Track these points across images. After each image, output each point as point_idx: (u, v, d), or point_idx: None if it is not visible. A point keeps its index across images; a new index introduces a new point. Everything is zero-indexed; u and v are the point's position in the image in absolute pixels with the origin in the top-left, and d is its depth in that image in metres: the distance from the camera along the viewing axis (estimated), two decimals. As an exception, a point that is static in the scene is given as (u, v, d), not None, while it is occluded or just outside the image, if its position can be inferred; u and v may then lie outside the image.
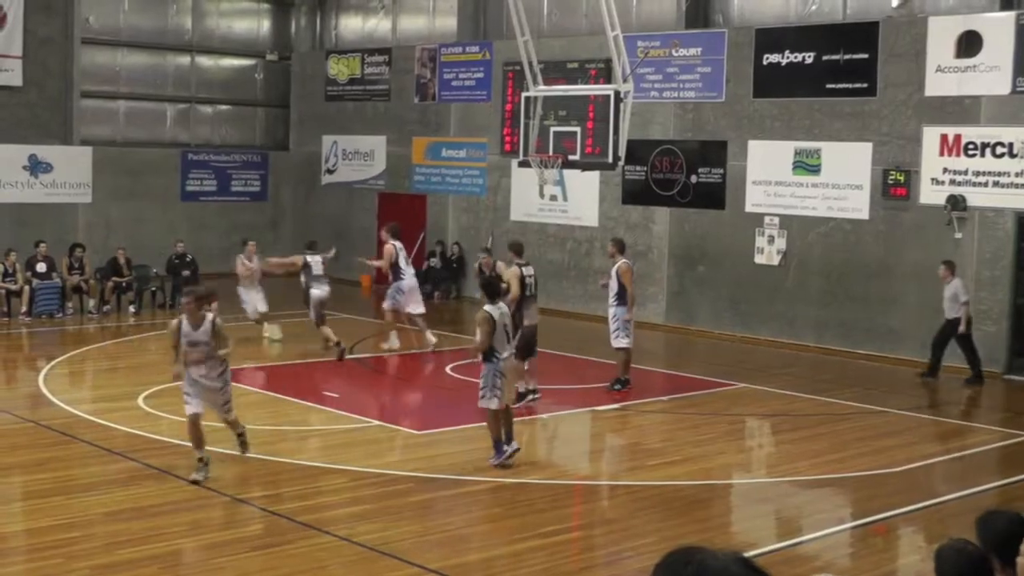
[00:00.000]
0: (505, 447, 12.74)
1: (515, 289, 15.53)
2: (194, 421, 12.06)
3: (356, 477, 12.40)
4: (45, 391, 16.34)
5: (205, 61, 30.71)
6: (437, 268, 26.96)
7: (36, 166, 26.72)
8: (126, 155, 28.40)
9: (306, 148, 30.84)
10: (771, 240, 21.66)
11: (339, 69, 30.08)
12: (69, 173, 27.21)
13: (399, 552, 10.07)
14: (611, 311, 17.03)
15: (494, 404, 12.61)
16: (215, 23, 30.81)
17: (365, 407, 16.29)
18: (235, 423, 12.69)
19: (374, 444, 14.12)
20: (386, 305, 20.17)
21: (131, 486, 11.85)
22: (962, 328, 18.10)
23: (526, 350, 15.64)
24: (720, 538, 10.70)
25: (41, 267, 23.08)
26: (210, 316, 12.11)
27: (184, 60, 30.32)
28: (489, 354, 12.55)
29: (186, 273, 24.33)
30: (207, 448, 12.15)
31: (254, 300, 20.74)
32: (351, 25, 31.07)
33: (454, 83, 27.18)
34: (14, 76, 26.75)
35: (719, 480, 13.02)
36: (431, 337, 20.03)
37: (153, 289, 24.56)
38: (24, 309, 22.35)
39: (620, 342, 16.91)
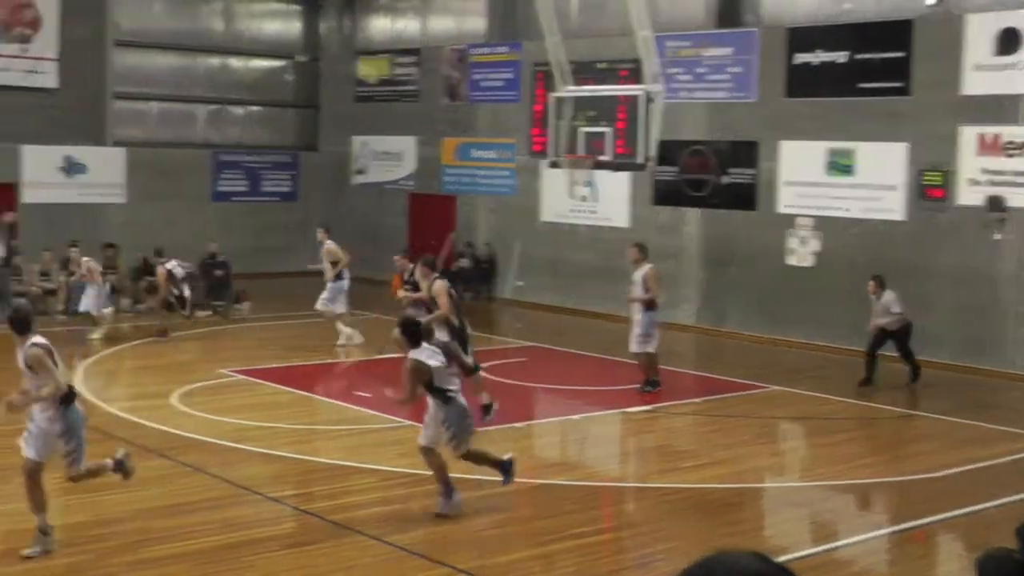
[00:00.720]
0: (508, 473, 11.38)
1: (445, 304, 14.85)
2: (28, 471, 9.88)
3: (386, 477, 12.38)
4: (80, 389, 16.36)
5: (235, 62, 30.83)
6: (468, 269, 26.92)
7: (71, 167, 26.91)
8: (158, 156, 28.50)
9: (336, 149, 30.87)
10: (803, 241, 21.53)
11: (368, 70, 30.12)
12: (103, 174, 27.38)
13: (429, 552, 10.04)
14: (638, 316, 16.96)
15: (464, 449, 11.15)
16: (245, 25, 30.91)
17: (396, 407, 16.24)
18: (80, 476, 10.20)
19: (405, 444, 14.02)
20: (340, 309, 20.27)
21: (164, 483, 11.87)
22: (880, 322, 17.74)
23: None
24: (752, 542, 10.61)
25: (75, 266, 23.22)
26: (29, 341, 9.82)
27: (215, 62, 30.45)
28: (445, 396, 11.03)
29: (219, 273, 24.49)
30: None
31: (86, 299, 20.94)
32: (380, 26, 31.09)
33: (483, 83, 27.16)
34: (49, 78, 26.96)
35: (751, 483, 12.91)
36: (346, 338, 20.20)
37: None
38: (60, 308, 22.54)
39: (646, 346, 16.86)
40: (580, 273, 24.95)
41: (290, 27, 31.78)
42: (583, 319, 23.97)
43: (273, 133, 31.51)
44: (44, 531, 9.86)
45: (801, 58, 21.53)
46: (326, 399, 16.22)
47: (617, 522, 11.70)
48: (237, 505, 11.32)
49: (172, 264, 21.12)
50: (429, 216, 28.31)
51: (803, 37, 21.56)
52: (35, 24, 26.77)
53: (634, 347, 16.96)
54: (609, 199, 24.34)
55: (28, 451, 9.87)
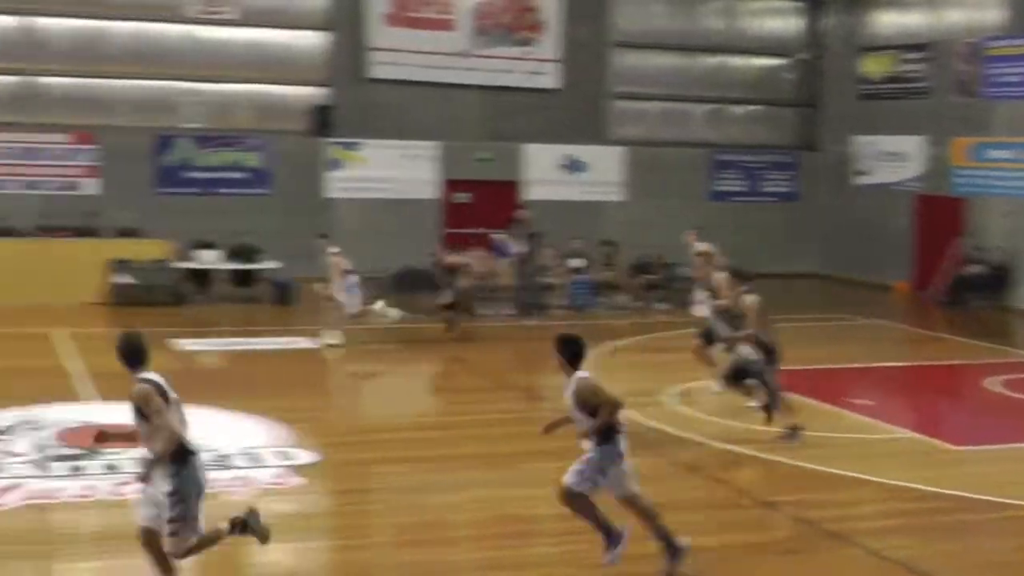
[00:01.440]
0: (675, 542, 9.23)
1: (756, 321, 13.55)
2: (145, 539, 8.11)
3: (888, 489, 11.77)
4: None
5: (734, 61, 30.75)
6: (979, 275, 25.36)
7: (572, 165, 27.97)
8: (656, 155, 28.96)
9: (837, 148, 30.05)
10: None
11: (872, 67, 29.11)
12: (602, 172, 28.29)
13: (931, 571, 9.46)
14: None
15: (586, 487, 9.17)
16: (745, 23, 30.76)
17: (898, 416, 15.44)
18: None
19: (907, 456, 13.33)
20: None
21: (659, 481, 11.83)
22: None
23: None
24: None
25: (576, 262, 24.01)
26: (145, 376, 7.97)
27: (713, 61, 30.50)
28: (612, 432, 9.27)
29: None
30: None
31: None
32: (886, 20, 29.85)
33: (1001, 79, 25.45)
34: (550, 79, 28.16)
35: None
36: None
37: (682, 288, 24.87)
38: (560, 303, 23.31)
39: None
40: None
41: (790, 24, 31.26)
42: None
43: (771, 132, 31.16)
44: None
45: None
46: (823, 404, 15.62)
47: None
48: (733, 508, 11.19)
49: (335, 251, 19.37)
50: (936, 219, 26.92)
51: None
52: (537, 27, 28.04)
53: None
54: None
55: (138, 516, 8.23)
